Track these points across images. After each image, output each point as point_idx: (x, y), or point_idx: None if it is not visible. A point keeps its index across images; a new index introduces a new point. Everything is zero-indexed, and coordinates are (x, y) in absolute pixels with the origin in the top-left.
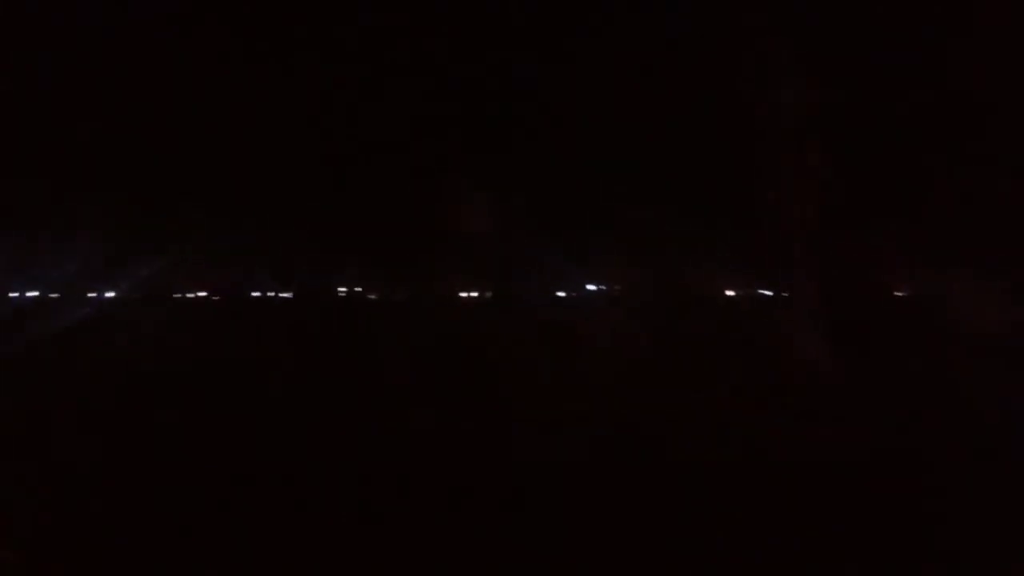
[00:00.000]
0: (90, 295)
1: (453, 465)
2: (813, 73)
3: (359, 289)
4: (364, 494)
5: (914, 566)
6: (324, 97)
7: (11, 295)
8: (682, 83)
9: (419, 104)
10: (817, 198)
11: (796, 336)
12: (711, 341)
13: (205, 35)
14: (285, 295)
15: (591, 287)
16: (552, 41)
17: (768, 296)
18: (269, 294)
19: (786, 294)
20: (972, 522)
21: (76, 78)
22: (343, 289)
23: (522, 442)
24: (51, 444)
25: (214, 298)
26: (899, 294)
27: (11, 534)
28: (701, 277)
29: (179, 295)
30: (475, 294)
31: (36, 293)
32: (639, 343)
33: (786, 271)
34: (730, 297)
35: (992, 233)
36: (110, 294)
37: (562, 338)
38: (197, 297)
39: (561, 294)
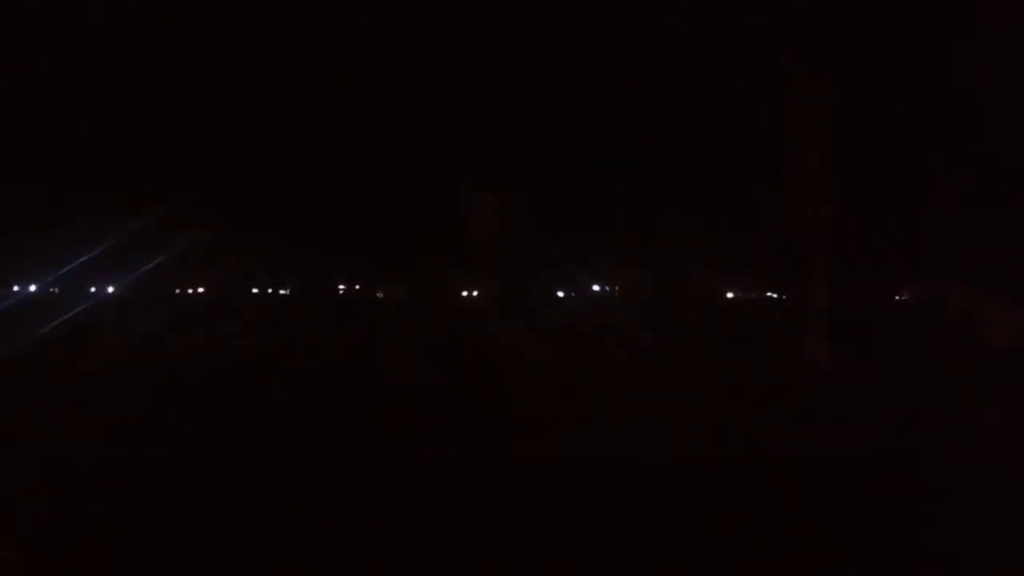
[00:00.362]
0: (90, 291)
1: (453, 465)
2: (821, 74)
3: (357, 287)
4: (364, 493)
5: (914, 566)
6: (327, 99)
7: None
8: (693, 88)
9: (422, 104)
10: (823, 201)
11: (799, 337)
12: (712, 341)
13: (202, 35)
14: (283, 292)
15: (596, 287)
16: (554, 41)
17: (772, 298)
18: (268, 291)
19: (783, 296)
20: (971, 522)
21: (71, 77)
22: (342, 287)
23: (522, 442)
24: (53, 442)
25: (213, 296)
26: (901, 296)
27: (11, 534)
28: (706, 278)
29: (180, 291)
30: (476, 293)
31: (34, 289)
32: (641, 343)
33: (791, 273)
34: (731, 298)
35: (998, 237)
36: (110, 290)
37: (562, 339)
38: (197, 295)
39: (561, 294)
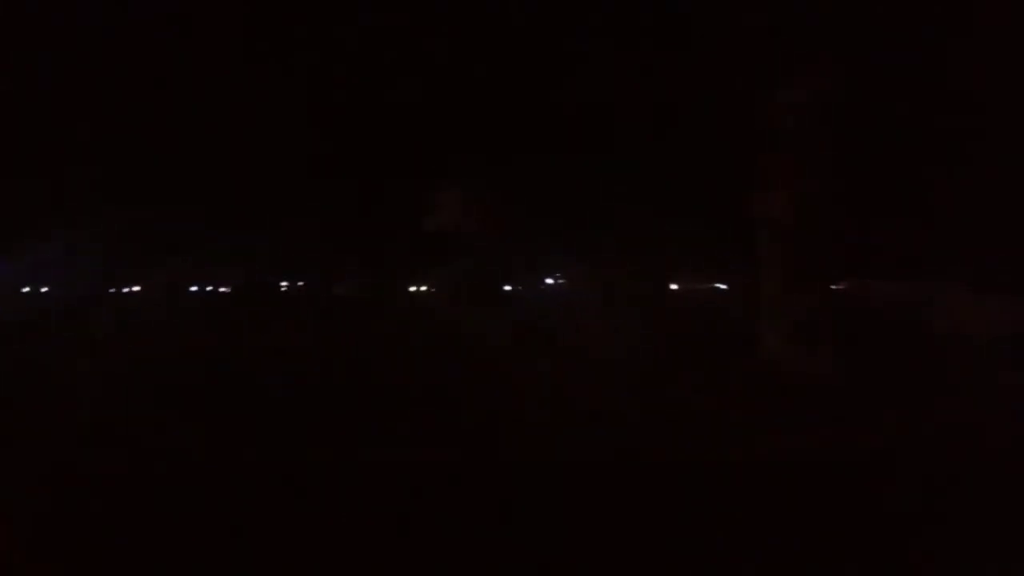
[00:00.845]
0: (24, 290)
1: (403, 469)
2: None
3: (301, 283)
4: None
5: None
6: (276, 88)
7: None
8: (653, 81)
9: (369, 98)
10: (779, 193)
11: (752, 332)
12: (663, 335)
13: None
14: (224, 289)
15: (549, 280)
16: (511, 35)
17: (720, 289)
18: (208, 288)
19: (732, 287)
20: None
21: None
22: (285, 284)
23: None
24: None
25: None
26: (846, 289)
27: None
28: (657, 269)
29: (116, 291)
30: (424, 288)
31: None
32: (592, 338)
33: (743, 265)
34: (677, 289)
35: (950, 230)
36: (44, 289)
37: (511, 333)
38: (133, 292)
39: (508, 288)
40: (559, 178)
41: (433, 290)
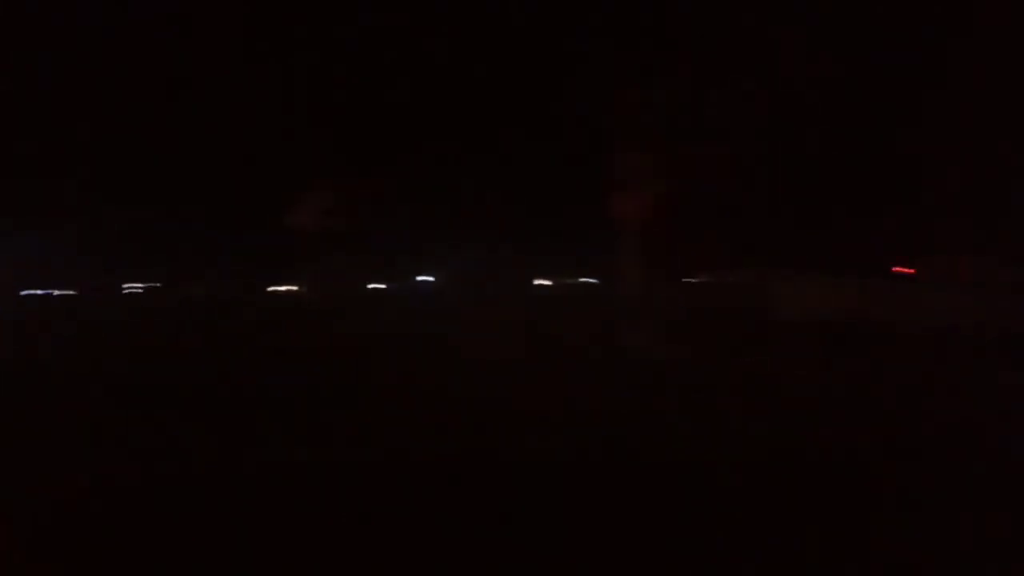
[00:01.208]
0: None
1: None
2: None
3: (159, 285)
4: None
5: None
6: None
7: None
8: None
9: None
10: (634, 190)
11: (611, 322)
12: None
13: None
14: (68, 293)
15: (421, 278)
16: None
17: (588, 283)
18: (52, 292)
19: (599, 281)
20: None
21: None
22: (139, 286)
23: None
24: None
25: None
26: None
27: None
28: (522, 263)
29: None
30: (294, 288)
31: None
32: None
33: (607, 260)
34: (556, 285)
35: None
36: None
37: (380, 330)
38: None
39: (380, 285)
40: (433, 178)
41: (300, 289)
